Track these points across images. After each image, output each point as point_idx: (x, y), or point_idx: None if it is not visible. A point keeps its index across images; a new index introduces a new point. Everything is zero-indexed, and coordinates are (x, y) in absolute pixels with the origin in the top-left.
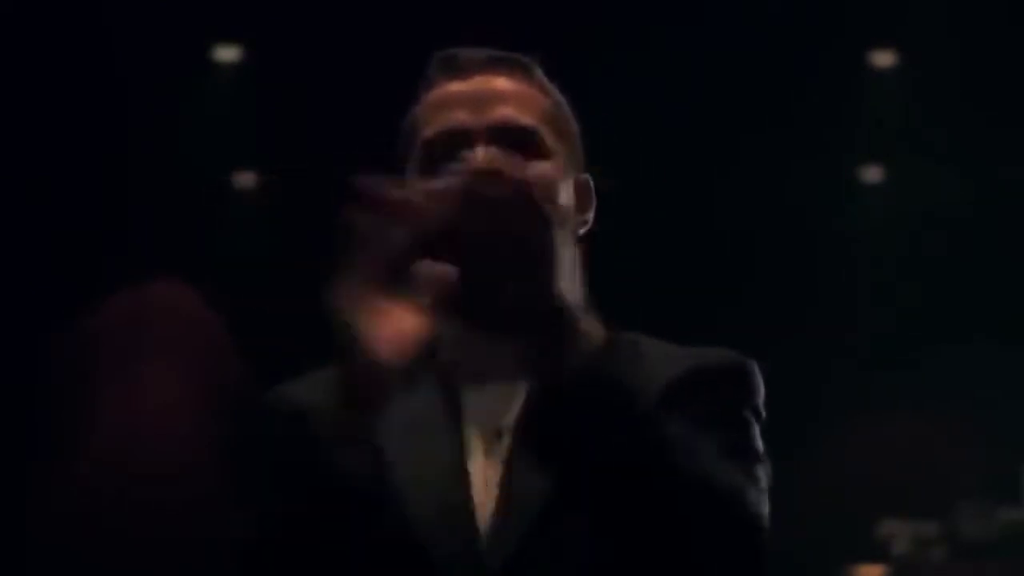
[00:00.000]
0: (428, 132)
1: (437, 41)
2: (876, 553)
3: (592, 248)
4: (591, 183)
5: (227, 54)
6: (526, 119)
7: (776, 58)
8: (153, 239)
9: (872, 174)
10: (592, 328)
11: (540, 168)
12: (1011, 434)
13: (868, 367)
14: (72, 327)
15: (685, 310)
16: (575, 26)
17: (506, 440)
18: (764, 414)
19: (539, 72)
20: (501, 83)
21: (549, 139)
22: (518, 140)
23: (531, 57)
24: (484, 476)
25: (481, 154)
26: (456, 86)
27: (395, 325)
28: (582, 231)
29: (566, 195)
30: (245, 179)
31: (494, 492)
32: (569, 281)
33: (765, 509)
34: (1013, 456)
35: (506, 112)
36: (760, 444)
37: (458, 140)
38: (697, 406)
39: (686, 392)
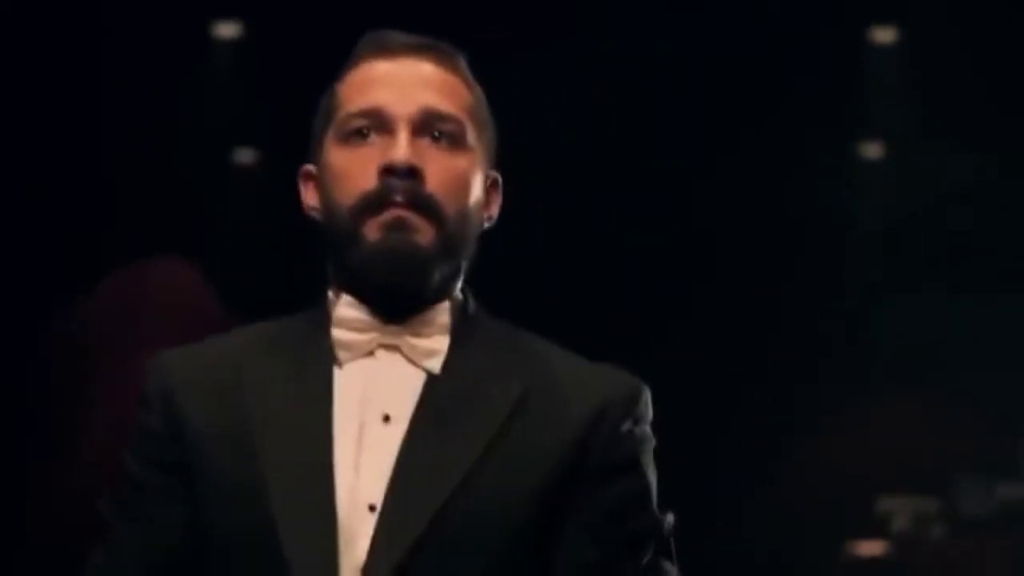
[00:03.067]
0: (352, 107)
1: (437, 18)
2: (875, 529)
3: (587, 232)
4: (500, 181)
5: (227, 30)
6: (452, 108)
7: (775, 34)
8: (152, 216)
9: (873, 150)
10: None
11: (459, 161)
12: (1010, 410)
13: (866, 343)
14: (71, 305)
15: (683, 287)
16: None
17: (397, 426)
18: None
19: (464, 64)
20: (429, 69)
21: (470, 132)
22: (442, 129)
23: (458, 48)
24: (365, 459)
25: (403, 146)
26: (384, 66)
27: None
28: (486, 226)
29: (478, 190)
30: (245, 155)
31: (380, 481)
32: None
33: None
34: (1012, 432)
35: (432, 98)
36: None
37: (382, 120)
38: (606, 459)
39: (599, 440)
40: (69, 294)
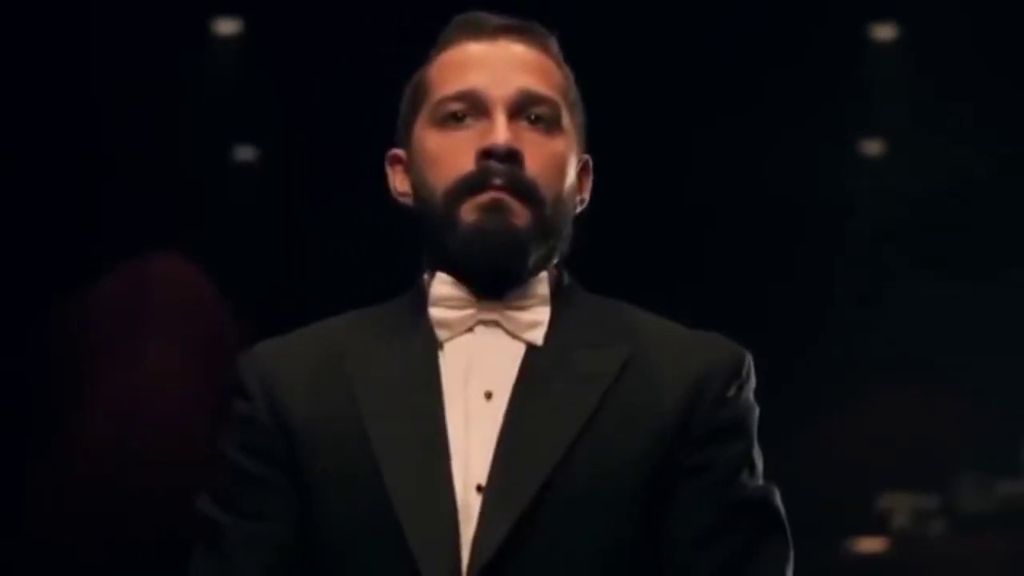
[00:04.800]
0: (447, 90)
1: (441, 15)
2: (875, 526)
3: (593, 224)
4: (591, 164)
5: (227, 27)
6: (547, 90)
7: (776, 32)
8: (153, 212)
9: (873, 147)
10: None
11: (556, 144)
12: (1011, 407)
13: (865, 339)
14: (71, 302)
15: (681, 282)
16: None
17: (499, 401)
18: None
19: (556, 45)
20: (523, 51)
21: (564, 114)
22: (538, 111)
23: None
24: (473, 439)
25: (502, 129)
26: (477, 47)
27: None
28: (579, 210)
29: (573, 173)
30: (245, 152)
31: (486, 459)
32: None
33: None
34: (1013, 429)
35: (528, 80)
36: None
37: (478, 103)
38: (713, 417)
39: (704, 403)
40: (70, 291)
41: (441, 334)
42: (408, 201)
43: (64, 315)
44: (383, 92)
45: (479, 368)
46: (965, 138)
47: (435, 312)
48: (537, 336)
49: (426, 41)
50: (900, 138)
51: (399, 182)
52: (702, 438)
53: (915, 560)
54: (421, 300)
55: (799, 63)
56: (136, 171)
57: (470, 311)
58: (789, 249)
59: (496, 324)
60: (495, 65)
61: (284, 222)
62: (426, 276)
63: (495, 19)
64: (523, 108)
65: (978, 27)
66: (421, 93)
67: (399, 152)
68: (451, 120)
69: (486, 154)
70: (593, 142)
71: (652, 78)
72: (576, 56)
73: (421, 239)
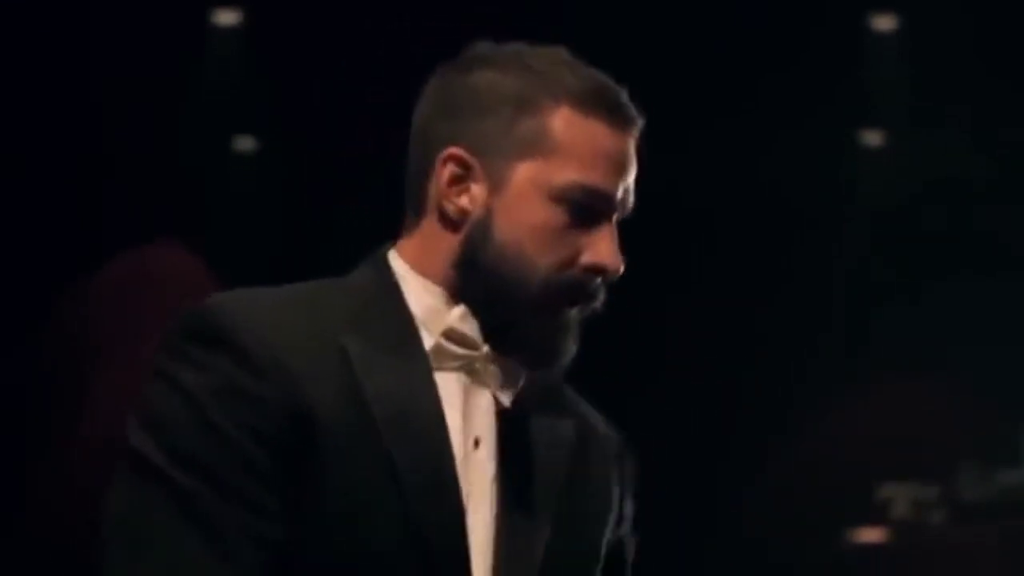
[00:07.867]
0: (582, 176)
1: (440, 7)
2: (875, 516)
3: None
4: None
5: (226, 17)
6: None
7: (775, 22)
8: (152, 204)
9: (873, 140)
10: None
11: None
12: (1011, 396)
13: (866, 331)
14: (71, 293)
15: (681, 272)
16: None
17: (485, 453)
18: None
19: None
20: (633, 154)
21: None
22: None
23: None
24: (473, 485)
25: (617, 255)
26: (616, 142)
27: None
28: None
29: None
30: (244, 142)
31: (484, 511)
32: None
33: None
34: (1013, 418)
35: (632, 196)
36: None
37: (603, 208)
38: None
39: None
40: (69, 276)
41: (435, 362)
42: (458, 217)
43: (63, 307)
44: (383, 82)
45: (470, 412)
46: (965, 130)
47: (439, 341)
48: (508, 397)
49: (425, 33)
50: (899, 132)
51: (456, 192)
52: (621, 516)
53: (915, 550)
54: (398, 300)
55: (798, 55)
56: (135, 163)
57: (470, 352)
58: (790, 243)
59: (475, 371)
60: (624, 171)
61: (284, 213)
62: (404, 273)
63: (628, 107)
64: (618, 213)
65: (978, 21)
66: (539, 139)
67: (471, 160)
68: (573, 206)
69: (599, 270)
70: None
71: (650, 71)
72: (576, 53)
73: (455, 254)
